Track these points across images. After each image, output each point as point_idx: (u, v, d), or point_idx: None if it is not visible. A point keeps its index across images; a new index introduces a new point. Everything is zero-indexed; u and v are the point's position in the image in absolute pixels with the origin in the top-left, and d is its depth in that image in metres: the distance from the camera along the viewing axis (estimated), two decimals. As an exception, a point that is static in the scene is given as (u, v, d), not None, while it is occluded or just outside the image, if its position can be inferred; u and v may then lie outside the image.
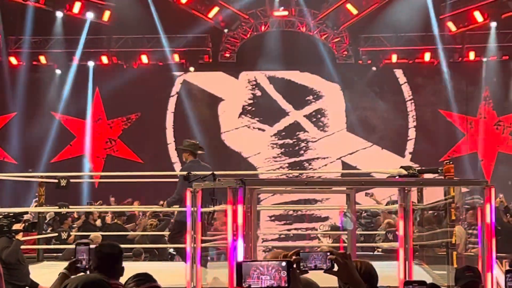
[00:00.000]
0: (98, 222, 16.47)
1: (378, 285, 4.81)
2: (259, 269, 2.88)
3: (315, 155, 24.37)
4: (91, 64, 23.99)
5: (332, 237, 16.36)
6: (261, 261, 2.92)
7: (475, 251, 11.54)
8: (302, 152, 24.44)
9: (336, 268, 3.40)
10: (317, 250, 3.40)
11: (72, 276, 5.23)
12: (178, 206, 10.82)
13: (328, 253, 3.39)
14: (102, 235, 13.58)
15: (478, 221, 7.03)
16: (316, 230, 20.63)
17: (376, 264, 4.95)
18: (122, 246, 11.23)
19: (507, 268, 4.73)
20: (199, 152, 10.97)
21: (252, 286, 2.89)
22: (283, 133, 24.43)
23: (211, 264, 10.83)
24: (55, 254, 13.60)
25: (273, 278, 2.88)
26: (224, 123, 24.60)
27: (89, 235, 13.45)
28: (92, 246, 5.71)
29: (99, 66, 24.00)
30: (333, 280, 3.65)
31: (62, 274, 5.54)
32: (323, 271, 3.39)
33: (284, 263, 2.89)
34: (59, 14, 22.97)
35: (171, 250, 14.62)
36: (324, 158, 24.28)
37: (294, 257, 3.27)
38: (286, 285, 2.89)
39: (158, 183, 15.56)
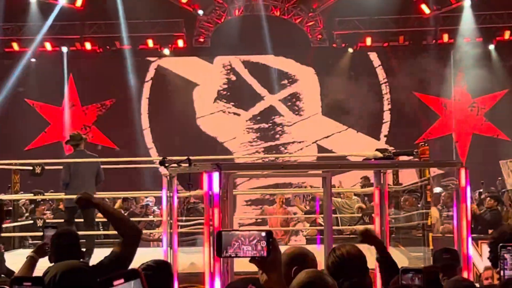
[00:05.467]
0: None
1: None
2: (239, 239, 2.87)
3: (290, 139, 24.34)
4: (65, 49, 23.74)
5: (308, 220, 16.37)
6: (241, 231, 2.91)
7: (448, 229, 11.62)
8: (277, 136, 24.40)
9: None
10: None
11: (53, 264, 5.16)
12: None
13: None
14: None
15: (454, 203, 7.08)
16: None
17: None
18: (91, 233, 11.23)
19: (487, 249, 4.77)
20: (83, 141, 11.68)
21: (232, 256, 2.89)
22: (259, 118, 24.35)
23: (188, 249, 10.83)
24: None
25: (254, 248, 2.88)
26: (199, 108, 24.49)
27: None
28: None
29: (73, 52, 23.77)
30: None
31: (30, 257, 5.47)
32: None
33: (264, 233, 2.89)
34: (32, 0, 22.72)
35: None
36: (300, 142, 24.27)
37: None
38: (266, 255, 2.89)
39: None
